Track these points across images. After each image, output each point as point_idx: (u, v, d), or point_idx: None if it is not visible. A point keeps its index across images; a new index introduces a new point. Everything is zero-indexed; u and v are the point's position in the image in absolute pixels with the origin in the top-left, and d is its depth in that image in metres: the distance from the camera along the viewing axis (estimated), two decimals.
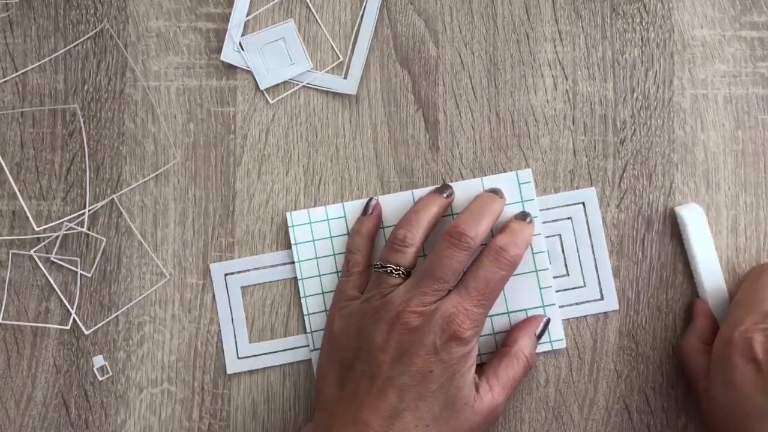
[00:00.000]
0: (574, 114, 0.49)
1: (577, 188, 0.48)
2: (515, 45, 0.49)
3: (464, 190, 0.48)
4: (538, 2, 0.49)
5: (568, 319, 0.48)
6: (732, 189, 0.48)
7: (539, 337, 0.47)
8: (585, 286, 0.48)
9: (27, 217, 0.48)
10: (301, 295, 0.48)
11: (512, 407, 0.48)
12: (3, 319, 0.48)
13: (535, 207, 0.48)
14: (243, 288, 0.48)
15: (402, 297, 0.43)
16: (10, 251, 0.48)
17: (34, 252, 0.48)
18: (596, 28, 0.49)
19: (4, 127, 0.48)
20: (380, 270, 0.45)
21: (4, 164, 0.48)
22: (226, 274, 0.48)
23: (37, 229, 0.48)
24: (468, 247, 0.43)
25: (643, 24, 0.49)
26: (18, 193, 0.48)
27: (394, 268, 0.44)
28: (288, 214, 0.48)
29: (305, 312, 0.48)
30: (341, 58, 0.49)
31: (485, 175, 0.48)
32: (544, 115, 0.49)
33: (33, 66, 0.49)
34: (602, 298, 0.48)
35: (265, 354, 0.48)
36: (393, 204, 0.48)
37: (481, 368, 0.45)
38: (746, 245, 0.48)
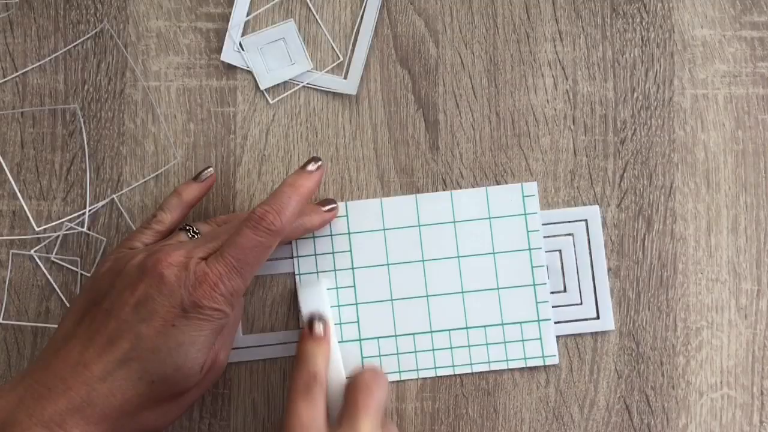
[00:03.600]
0: (574, 114, 0.49)
1: (578, 188, 0.48)
2: (515, 45, 0.49)
3: (468, 198, 0.48)
4: (538, 2, 0.49)
5: (564, 336, 0.48)
6: (732, 189, 0.48)
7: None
8: (582, 304, 0.48)
9: (27, 217, 0.48)
10: (298, 290, 0.48)
11: (512, 407, 0.48)
12: (3, 319, 0.48)
13: (538, 221, 0.48)
14: None
15: (173, 248, 0.41)
16: (11, 251, 0.48)
17: (35, 252, 0.48)
18: (596, 28, 0.49)
19: (4, 127, 0.48)
20: (181, 229, 0.44)
21: (4, 164, 0.48)
22: None
23: (37, 229, 0.48)
24: (257, 225, 0.41)
25: (643, 24, 0.49)
26: (18, 193, 0.48)
27: (193, 230, 0.43)
28: None
29: (300, 307, 0.48)
30: (341, 58, 0.49)
31: (486, 176, 0.48)
32: (544, 115, 0.49)
33: (33, 66, 0.49)
34: (598, 318, 0.48)
35: (257, 347, 0.48)
36: (362, 210, 0.48)
37: None
38: (746, 245, 0.48)
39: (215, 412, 0.48)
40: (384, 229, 0.48)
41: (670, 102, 0.49)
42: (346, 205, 0.48)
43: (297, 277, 0.48)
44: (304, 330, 0.44)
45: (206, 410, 0.48)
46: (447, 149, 0.49)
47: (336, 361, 0.44)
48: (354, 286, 0.48)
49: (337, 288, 0.48)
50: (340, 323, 0.48)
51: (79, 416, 0.38)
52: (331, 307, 0.48)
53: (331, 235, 0.48)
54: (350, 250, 0.48)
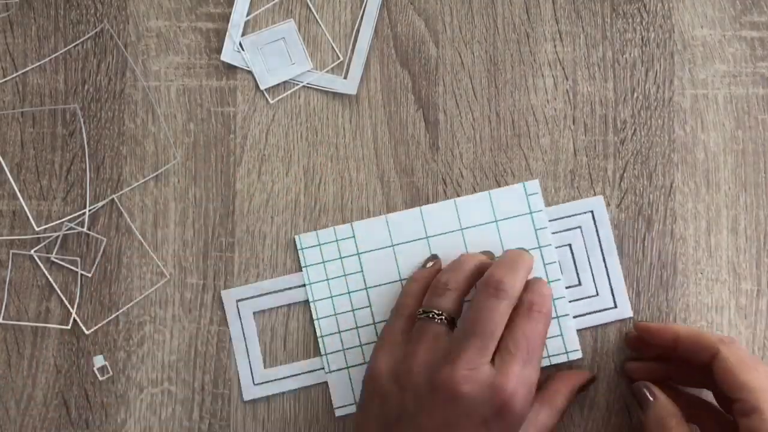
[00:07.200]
0: (574, 114, 0.49)
1: (578, 188, 0.48)
2: (515, 45, 0.49)
3: (472, 205, 0.48)
4: (538, 2, 0.49)
5: (587, 329, 0.47)
6: (732, 189, 0.48)
7: (580, 391, 0.46)
8: (598, 294, 0.48)
9: (27, 217, 0.48)
10: (314, 317, 0.47)
11: None
12: (3, 319, 0.48)
13: (544, 218, 0.48)
14: (255, 313, 0.48)
15: (448, 356, 0.40)
16: (11, 251, 0.48)
17: (35, 252, 0.48)
18: (596, 28, 0.49)
19: (4, 127, 0.48)
20: (422, 317, 0.43)
21: (4, 164, 0.48)
22: (237, 301, 0.48)
23: (37, 229, 0.48)
24: (507, 296, 0.41)
25: (644, 24, 0.49)
26: (18, 193, 0.48)
27: (436, 313, 0.42)
28: (296, 237, 0.48)
29: (318, 334, 0.47)
30: (341, 58, 0.49)
31: (486, 176, 0.48)
32: (545, 115, 0.49)
33: (33, 66, 0.49)
34: (616, 306, 0.48)
35: (281, 379, 0.47)
36: (368, 229, 0.48)
37: None
38: (746, 245, 0.48)
39: (215, 413, 0.48)
40: (393, 245, 0.48)
41: (670, 102, 0.49)
42: (351, 226, 0.48)
43: None
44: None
45: (206, 410, 0.48)
46: (447, 149, 0.49)
47: None
48: (370, 306, 0.47)
49: (353, 310, 0.48)
50: (361, 345, 0.47)
51: None
52: (350, 330, 0.47)
53: (340, 258, 0.48)
54: (361, 270, 0.48)
